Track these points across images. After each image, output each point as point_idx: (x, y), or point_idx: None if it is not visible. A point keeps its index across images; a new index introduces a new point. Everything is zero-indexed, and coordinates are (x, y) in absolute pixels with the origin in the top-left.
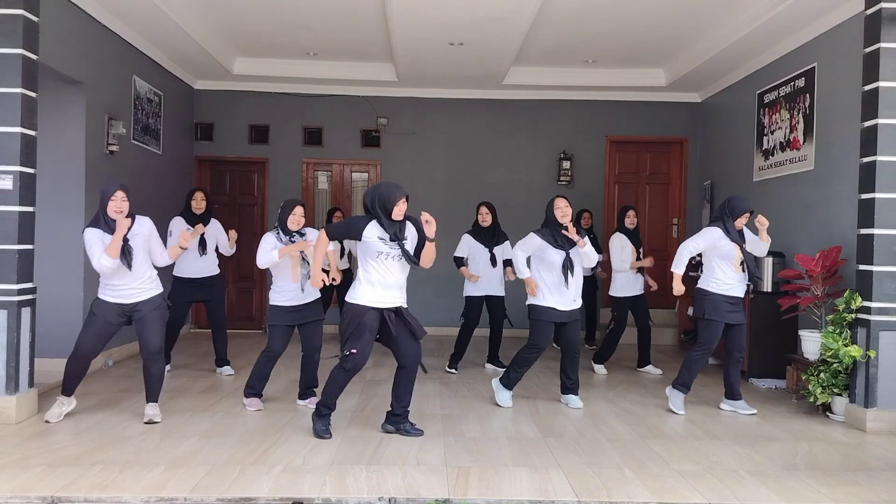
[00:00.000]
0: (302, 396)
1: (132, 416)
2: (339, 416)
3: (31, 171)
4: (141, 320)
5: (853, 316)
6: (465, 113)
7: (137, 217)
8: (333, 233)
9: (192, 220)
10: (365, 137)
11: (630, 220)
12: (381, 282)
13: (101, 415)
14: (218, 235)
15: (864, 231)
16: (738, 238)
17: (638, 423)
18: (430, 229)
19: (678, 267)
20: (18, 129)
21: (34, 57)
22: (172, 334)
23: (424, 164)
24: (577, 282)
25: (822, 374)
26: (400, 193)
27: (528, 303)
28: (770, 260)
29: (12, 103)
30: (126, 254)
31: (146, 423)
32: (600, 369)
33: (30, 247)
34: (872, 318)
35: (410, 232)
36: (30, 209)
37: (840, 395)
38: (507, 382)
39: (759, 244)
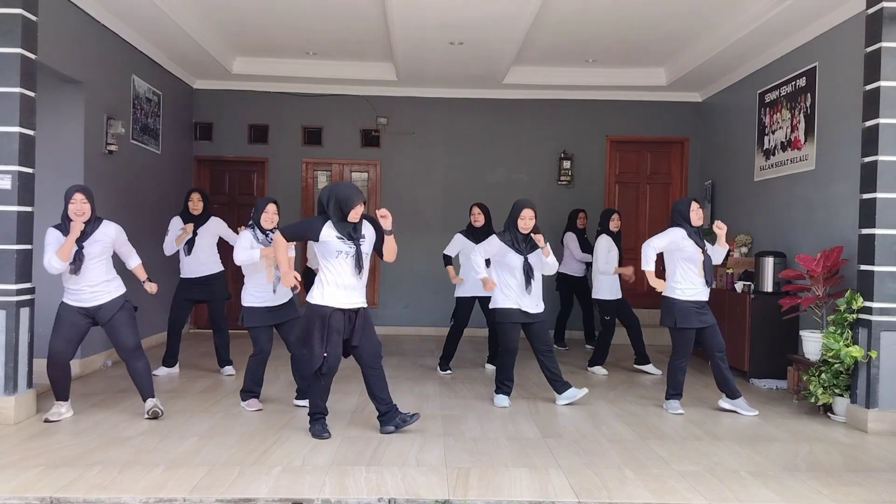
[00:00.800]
0: (300, 396)
1: (131, 417)
2: (338, 417)
3: (29, 170)
4: (109, 323)
5: (854, 316)
6: (466, 112)
7: (104, 222)
8: (290, 234)
9: (189, 220)
10: (365, 137)
11: (615, 224)
12: (340, 283)
13: (100, 415)
14: (221, 233)
15: (865, 231)
16: (701, 241)
17: (638, 423)
18: (387, 222)
19: (648, 265)
20: (17, 129)
21: (33, 56)
22: (175, 333)
23: (424, 164)
24: (537, 285)
25: (823, 375)
26: (358, 198)
27: (491, 307)
28: (771, 260)
29: (11, 103)
30: (76, 259)
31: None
32: (599, 370)
33: (28, 247)
34: (874, 318)
35: (368, 231)
36: (28, 209)
37: (841, 395)
38: (504, 390)
39: (717, 251)
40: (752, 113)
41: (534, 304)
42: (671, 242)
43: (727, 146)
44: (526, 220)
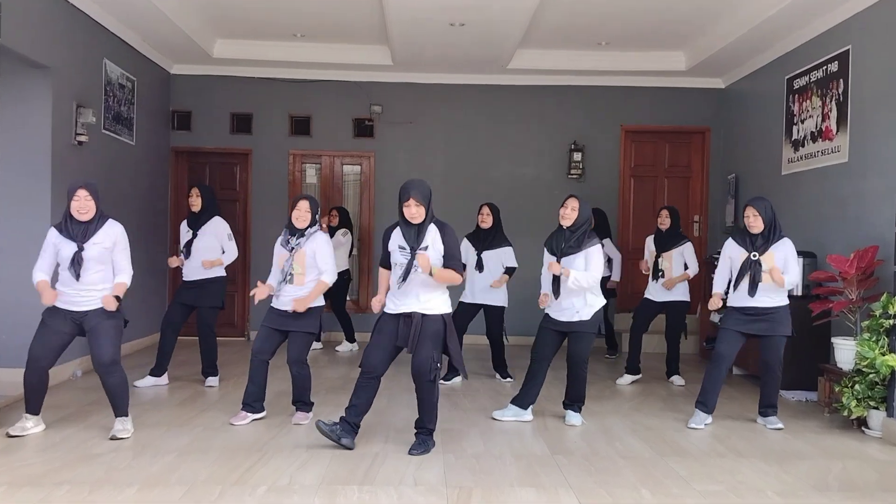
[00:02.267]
0: (300, 408)
1: (102, 432)
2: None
3: None
4: (91, 330)
5: (891, 322)
6: (467, 100)
7: (109, 222)
8: (383, 260)
9: (191, 219)
10: (357, 127)
11: (660, 220)
12: (393, 288)
13: (68, 430)
14: (218, 235)
15: None
16: (749, 246)
17: (655, 438)
18: (421, 263)
19: (716, 287)
20: None
21: None
22: (168, 339)
23: (422, 157)
24: (568, 291)
25: (856, 386)
26: (409, 193)
27: None
28: (801, 261)
29: None
30: (76, 263)
31: (110, 439)
32: (624, 379)
33: None
34: None
35: (433, 240)
36: None
37: (877, 408)
38: (520, 402)
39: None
40: (780, 100)
41: (566, 310)
42: (730, 260)
43: (752, 137)
44: (567, 210)
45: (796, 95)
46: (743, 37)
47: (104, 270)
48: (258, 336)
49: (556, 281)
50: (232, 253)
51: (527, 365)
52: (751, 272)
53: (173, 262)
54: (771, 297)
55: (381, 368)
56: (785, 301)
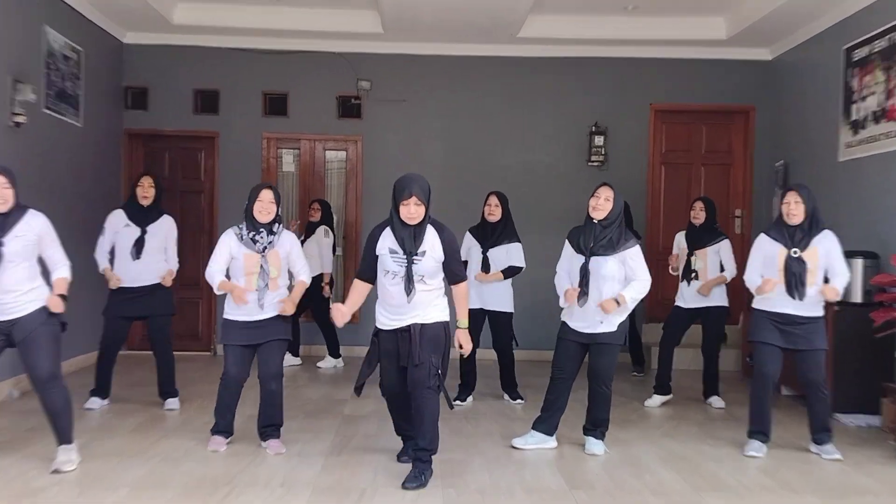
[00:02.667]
0: (262, 437)
1: (43, 462)
2: (308, 461)
3: None
4: (24, 341)
5: None
6: (470, 74)
7: (29, 212)
8: (364, 270)
9: (137, 212)
10: (342, 106)
11: (693, 214)
12: (388, 301)
13: (4, 460)
14: (168, 237)
15: None
16: (788, 240)
17: (690, 470)
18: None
19: (750, 285)
20: None
21: None
22: (108, 357)
23: (417, 141)
24: (598, 299)
25: None
26: (411, 189)
27: None
28: (860, 262)
29: None
30: None
31: (52, 472)
32: (653, 401)
33: None
34: None
35: (431, 244)
36: None
37: None
38: (545, 427)
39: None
40: (837, 75)
41: (594, 320)
42: (760, 253)
43: (804, 117)
44: (600, 201)
45: (856, 69)
46: (793, 0)
47: (29, 267)
48: (231, 360)
49: (585, 278)
50: (175, 261)
51: (538, 384)
52: (795, 271)
53: (114, 281)
54: (813, 305)
55: (405, 388)
56: (822, 312)
